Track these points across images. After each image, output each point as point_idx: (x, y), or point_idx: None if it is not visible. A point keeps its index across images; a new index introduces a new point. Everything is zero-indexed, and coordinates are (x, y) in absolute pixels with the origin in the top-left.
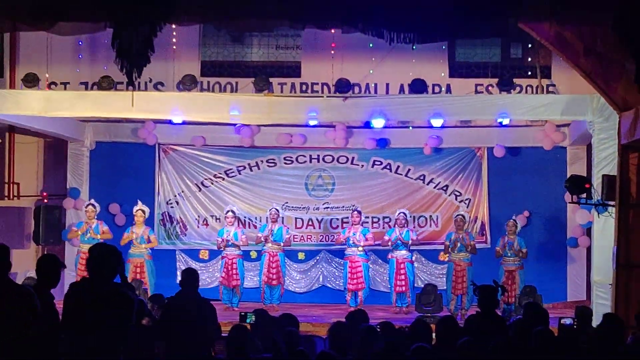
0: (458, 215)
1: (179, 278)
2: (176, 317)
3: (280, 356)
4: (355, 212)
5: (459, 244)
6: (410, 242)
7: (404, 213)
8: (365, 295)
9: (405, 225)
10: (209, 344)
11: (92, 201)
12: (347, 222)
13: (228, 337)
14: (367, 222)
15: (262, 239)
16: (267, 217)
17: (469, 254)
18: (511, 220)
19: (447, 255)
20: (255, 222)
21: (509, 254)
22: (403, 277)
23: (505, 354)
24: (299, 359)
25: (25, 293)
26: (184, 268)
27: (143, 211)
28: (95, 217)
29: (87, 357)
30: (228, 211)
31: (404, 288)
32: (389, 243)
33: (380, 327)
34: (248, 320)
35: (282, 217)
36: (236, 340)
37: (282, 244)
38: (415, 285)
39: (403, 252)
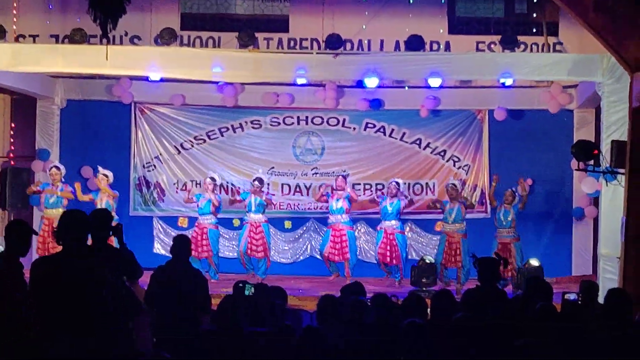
0: (449, 184)
1: (155, 246)
2: (166, 288)
3: (282, 329)
4: (340, 177)
5: (455, 213)
6: (400, 209)
7: (396, 182)
8: (352, 265)
9: (398, 195)
10: (198, 316)
11: (56, 163)
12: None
13: (219, 308)
14: (359, 190)
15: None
16: (250, 187)
17: (464, 225)
18: (509, 190)
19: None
20: (239, 189)
21: (504, 224)
22: (392, 248)
23: (504, 329)
24: (285, 333)
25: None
26: (177, 234)
27: (106, 175)
28: (62, 180)
29: (61, 333)
30: (208, 178)
31: (390, 259)
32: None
33: (371, 300)
34: (247, 293)
35: (268, 184)
36: (228, 312)
37: (264, 213)
38: (410, 257)
39: (393, 223)
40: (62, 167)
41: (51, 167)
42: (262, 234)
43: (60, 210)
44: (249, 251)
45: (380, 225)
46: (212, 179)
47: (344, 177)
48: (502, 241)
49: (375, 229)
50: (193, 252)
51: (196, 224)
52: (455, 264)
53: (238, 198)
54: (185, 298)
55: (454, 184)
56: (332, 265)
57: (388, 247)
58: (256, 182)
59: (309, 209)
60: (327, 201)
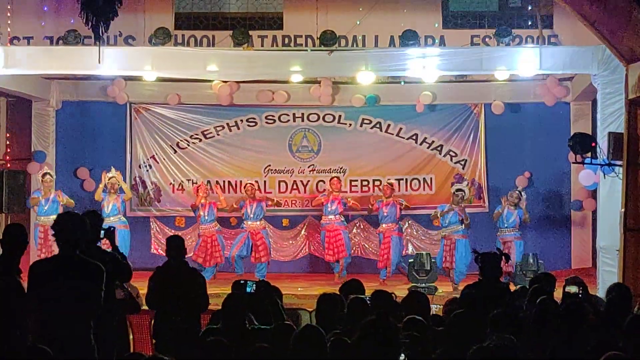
0: (459, 190)
1: (153, 246)
2: (165, 289)
3: (282, 327)
4: (335, 179)
5: (450, 217)
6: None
7: (389, 184)
8: (347, 263)
9: (392, 194)
10: (199, 315)
11: (47, 169)
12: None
13: (224, 306)
14: (356, 186)
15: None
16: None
17: (463, 226)
18: (515, 192)
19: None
20: (235, 187)
21: (506, 225)
22: (386, 250)
23: (506, 325)
24: (285, 332)
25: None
26: (170, 235)
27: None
28: (54, 186)
29: (58, 331)
30: (204, 182)
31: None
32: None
33: (371, 297)
34: (248, 290)
35: (265, 181)
36: (233, 309)
37: (263, 220)
38: (408, 252)
39: (391, 225)
40: (53, 173)
41: (44, 174)
42: (263, 239)
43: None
44: (253, 259)
45: (379, 228)
46: (208, 181)
47: (339, 179)
48: (504, 239)
49: (375, 225)
50: (201, 260)
51: (201, 231)
52: (450, 265)
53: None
54: (185, 298)
55: (462, 191)
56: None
57: (385, 252)
58: (249, 185)
59: (306, 206)
60: (322, 204)
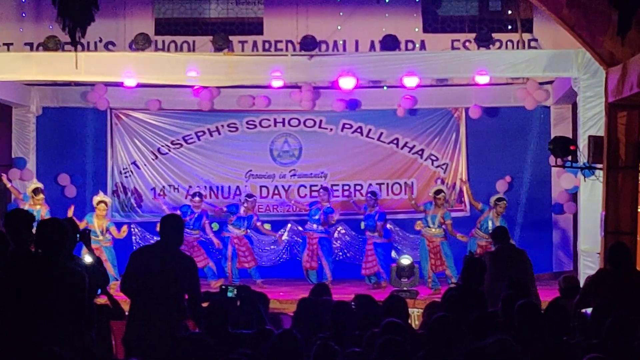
0: (438, 193)
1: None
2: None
3: (264, 332)
4: (322, 190)
5: (434, 220)
6: (380, 224)
7: (371, 193)
8: (331, 268)
9: (376, 204)
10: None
11: (36, 183)
12: (316, 190)
13: (208, 311)
14: (337, 190)
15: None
16: (241, 202)
17: (443, 230)
18: (503, 202)
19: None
20: (217, 192)
21: (482, 231)
22: (371, 258)
23: (485, 329)
24: (266, 337)
25: None
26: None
27: (105, 203)
28: (44, 202)
29: (43, 340)
30: (195, 194)
31: (374, 269)
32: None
33: (354, 302)
34: (229, 295)
35: (246, 186)
36: (215, 314)
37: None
38: (391, 256)
39: (375, 233)
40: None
41: (35, 190)
42: (248, 245)
43: None
44: (238, 264)
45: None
46: (199, 194)
47: (326, 189)
48: (480, 244)
49: (357, 230)
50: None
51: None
52: (442, 267)
53: (224, 208)
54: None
55: (442, 192)
56: (311, 274)
57: (369, 259)
58: (250, 200)
59: (287, 211)
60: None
